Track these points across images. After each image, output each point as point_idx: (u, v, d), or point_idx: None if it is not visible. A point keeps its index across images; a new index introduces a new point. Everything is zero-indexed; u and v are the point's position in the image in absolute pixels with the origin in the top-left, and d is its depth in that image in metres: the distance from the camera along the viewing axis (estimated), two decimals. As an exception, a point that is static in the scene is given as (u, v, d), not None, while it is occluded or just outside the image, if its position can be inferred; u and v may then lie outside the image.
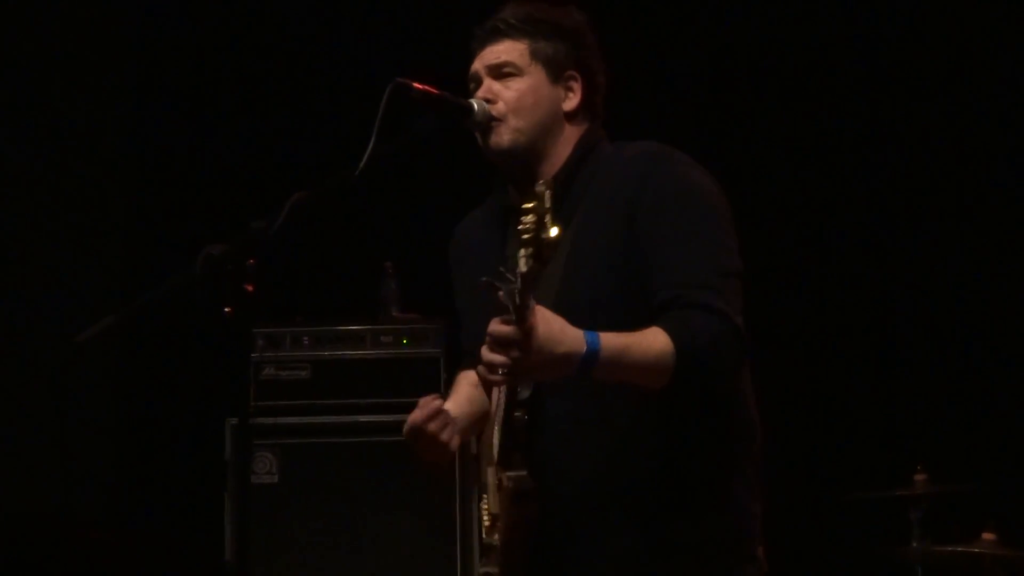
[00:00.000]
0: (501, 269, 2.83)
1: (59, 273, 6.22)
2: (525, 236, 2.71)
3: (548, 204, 2.69)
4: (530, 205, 2.70)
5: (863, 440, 5.96)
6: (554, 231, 2.68)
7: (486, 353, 2.87)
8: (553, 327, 2.86)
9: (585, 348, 2.89)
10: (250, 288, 2.95)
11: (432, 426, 3.28)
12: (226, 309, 2.95)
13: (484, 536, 3.33)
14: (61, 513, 5.40)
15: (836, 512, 5.61)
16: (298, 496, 5.37)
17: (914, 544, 5.04)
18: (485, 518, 3.33)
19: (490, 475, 3.30)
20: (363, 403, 5.40)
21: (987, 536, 4.86)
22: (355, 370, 5.45)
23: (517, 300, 2.77)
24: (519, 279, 2.74)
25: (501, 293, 2.82)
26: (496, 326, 2.83)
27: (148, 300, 3.18)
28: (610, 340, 2.93)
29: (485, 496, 3.34)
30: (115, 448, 6.31)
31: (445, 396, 3.49)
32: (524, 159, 3.31)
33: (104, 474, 6.24)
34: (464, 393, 3.51)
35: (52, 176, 6.29)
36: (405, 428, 3.32)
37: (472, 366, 3.52)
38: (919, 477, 5.06)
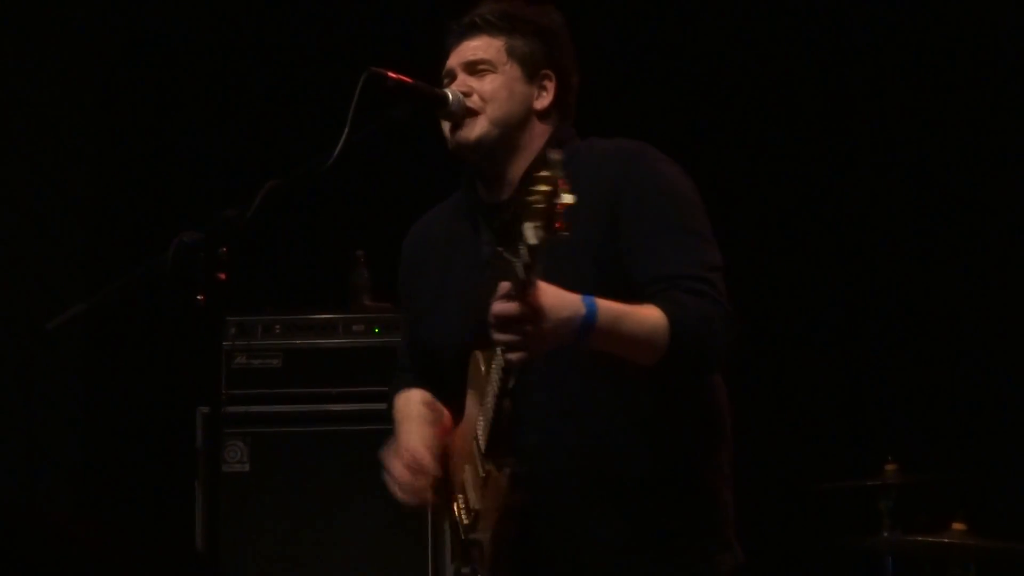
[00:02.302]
0: (499, 250, 2.84)
1: (27, 260, 6.19)
2: (537, 205, 2.68)
3: (560, 172, 2.68)
4: (545, 173, 2.68)
5: (834, 430, 5.97)
6: (568, 196, 2.67)
7: (497, 335, 2.87)
8: (553, 294, 2.88)
9: (584, 310, 2.91)
10: (222, 277, 2.95)
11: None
12: (198, 297, 2.95)
13: (464, 535, 3.33)
14: (31, 505, 5.38)
15: (806, 502, 5.62)
16: (269, 485, 5.36)
17: (884, 534, 5.05)
18: (463, 517, 3.33)
19: (468, 471, 3.32)
20: (334, 392, 5.39)
21: (957, 526, 4.88)
22: (327, 359, 5.44)
23: (522, 275, 2.77)
24: (527, 252, 2.73)
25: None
26: (501, 305, 2.84)
27: (119, 288, 3.18)
28: (606, 305, 2.96)
29: (460, 496, 3.35)
30: (85, 436, 6.29)
31: None
32: (492, 153, 3.32)
33: (74, 462, 6.22)
34: (430, 419, 3.48)
35: (19, 162, 6.26)
36: (400, 482, 3.36)
37: (414, 383, 3.56)
38: (890, 467, 5.07)
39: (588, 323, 2.92)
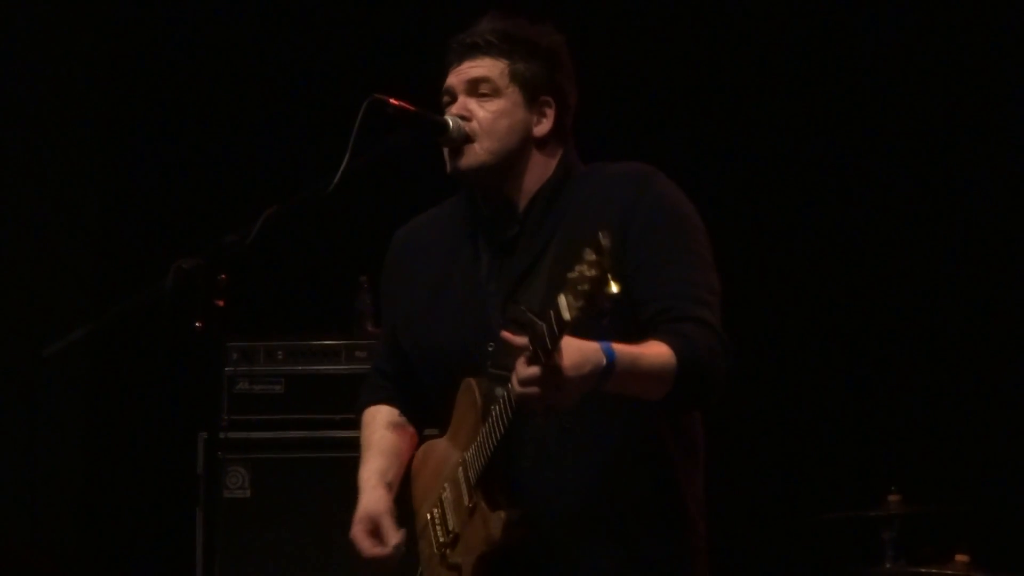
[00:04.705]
0: (522, 308, 2.90)
1: (28, 286, 6.19)
2: (581, 286, 2.71)
3: (610, 259, 2.70)
4: (592, 257, 2.70)
5: (837, 460, 5.95)
6: (615, 287, 2.70)
7: (518, 390, 2.91)
8: (574, 352, 2.90)
9: (605, 361, 2.94)
10: (221, 303, 2.95)
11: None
12: (196, 324, 2.94)
13: (437, 549, 3.34)
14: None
15: (809, 532, 5.60)
16: (270, 511, 5.34)
17: (887, 565, 5.04)
18: (438, 532, 3.33)
19: (449, 490, 3.31)
20: (337, 418, 5.37)
21: (960, 558, 4.87)
22: (329, 385, 5.43)
23: (549, 344, 2.80)
24: (556, 324, 2.76)
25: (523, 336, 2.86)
26: (524, 370, 2.87)
27: (118, 313, 3.18)
28: (623, 351, 2.98)
29: (435, 511, 3.36)
30: (86, 461, 6.28)
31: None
32: (490, 180, 3.32)
33: (74, 488, 6.21)
34: (391, 449, 3.52)
35: (22, 187, 6.26)
36: (362, 551, 3.41)
37: (384, 394, 3.57)
38: (893, 498, 5.06)
39: (608, 372, 2.96)
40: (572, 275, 2.72)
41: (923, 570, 4.91)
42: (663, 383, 3.06)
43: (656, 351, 3.05)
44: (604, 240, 2.70)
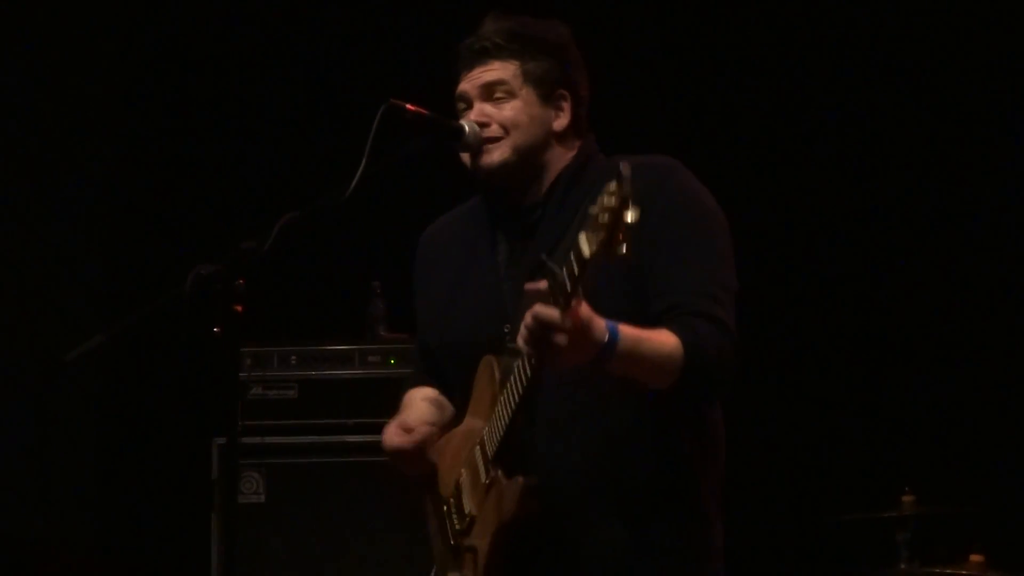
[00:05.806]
0: (543, 257, 2.84)
1: (44, 292, 6.20)
2: (601, 219, 2.66)
3: (630, 188, 2.65)
4: (612, 188, 2.66)
5: (851, 461, 5.96)
6: (633, 214, 2.64)
7: (530, 338, 2.86)
8: (588, 313, 2.88)
9: (607, 337, 2.93)
10: (239, 308, 2.96)
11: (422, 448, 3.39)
12: (214, 329, 2.96)
13: (453, 539, 3.34)
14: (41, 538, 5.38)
15: (823, 534, 5.60)
16: (285, 516, 5.35)
17: (902, 566, 5.04)
18: (455, 521, 3.33)
19: (465, 475, 3.31)
20: (350, 423, 5.39)
21: (975, 558, 4.87)
22: (343, 390, 5.44)
23: (569, 286, 2.76)
24: (577, 263, 2.72)
25: (544, 283, 2.81)
26: (545, 309, 2.82)
27: (136, 319, 3.19)
28: (627, 332, 2.97)
29: (451, 500, 3.35)
30: (101, 467, 6.29)
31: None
32: (514, 179, 3.32)
33: (89, 493, 6.22)
34: (425, 411, 3.51)
35: (36, 192, 6.28)
36: (391, 447, 3.40)
37: (425, 382, 3.57)
38: (907, 499, 5.06)
39: (609, 348, 2.94)
40: (592, 209, 2.69)
41: (937, 570, 4.92)
42: (668, 373, 3.06)
43: (662, 338, 3.05)
44: (625, 170, 2.66)
